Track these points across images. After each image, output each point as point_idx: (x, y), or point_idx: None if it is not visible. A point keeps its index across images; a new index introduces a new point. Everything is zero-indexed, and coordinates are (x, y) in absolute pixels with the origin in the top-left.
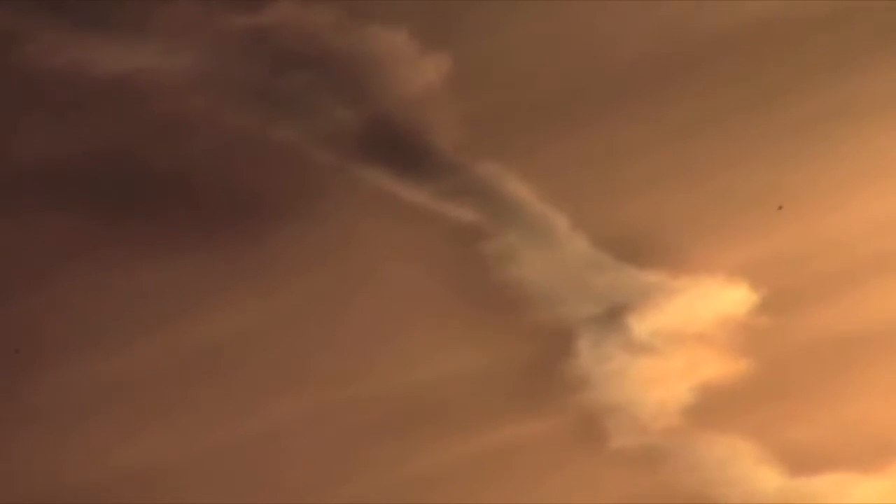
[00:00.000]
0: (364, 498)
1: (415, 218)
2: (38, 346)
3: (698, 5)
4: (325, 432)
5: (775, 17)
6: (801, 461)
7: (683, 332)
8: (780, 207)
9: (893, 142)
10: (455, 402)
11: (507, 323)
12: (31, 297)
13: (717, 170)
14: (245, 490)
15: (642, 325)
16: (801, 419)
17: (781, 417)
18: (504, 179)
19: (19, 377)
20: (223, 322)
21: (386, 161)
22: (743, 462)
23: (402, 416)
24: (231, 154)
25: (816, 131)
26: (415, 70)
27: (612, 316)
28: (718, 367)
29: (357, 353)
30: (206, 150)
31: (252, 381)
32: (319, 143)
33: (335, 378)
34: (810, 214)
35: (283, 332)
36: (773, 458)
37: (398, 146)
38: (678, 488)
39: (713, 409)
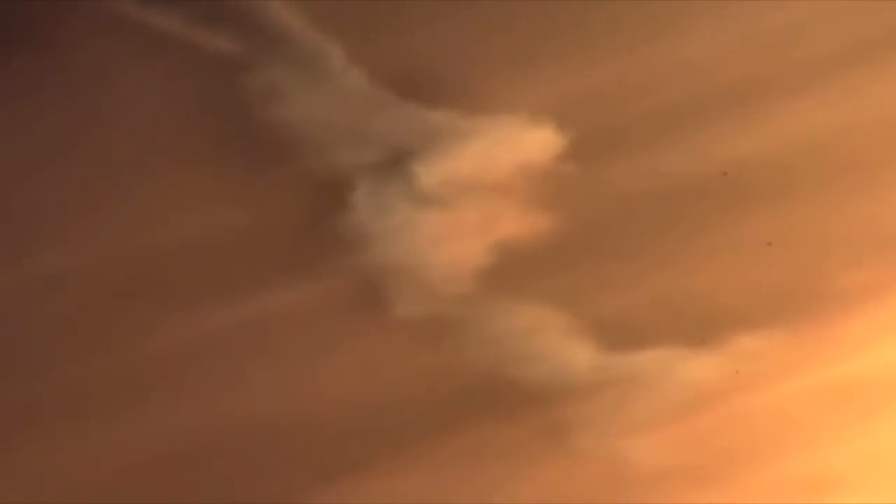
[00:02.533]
0: (112, 374)
1: (163, 47)
2: None
3: None
4: (60, 301)
5: None
6: (617, 334)
7: (478, 181)
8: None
9: None
10: (212, 265)
11: (271, 171)
12: None
13: None
14: None
15: (429, 173)
16: (618, 285)
17: (594, 283)
18: (268, 1)
19: None
20: None
21: None
22: (549, 334)
23: (149, 282)
24: None
25: None
26: None
27: (395, 163)
28: (520, 224)
29: (97, 208)
30: None
31: None
32: None
33: (69, 239)
34: (627, 45)
35: (10, 186)
36: (584, 330)
37: None
38: (473, 364)
39: (513, 272)
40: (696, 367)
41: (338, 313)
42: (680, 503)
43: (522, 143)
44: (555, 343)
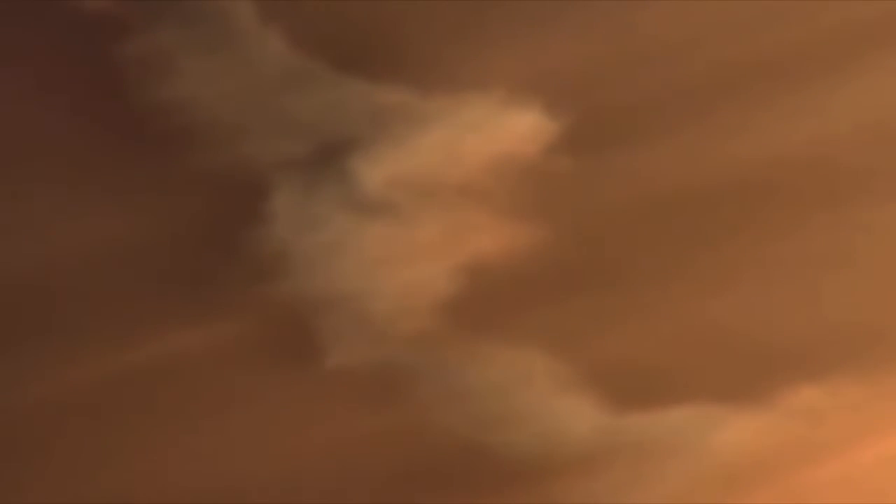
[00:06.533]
0: None
1: (16, 9)
2: None
3: None
4: None
5: None
6: (628, 385)
7: (440, 182)
8: None
9: None
10: (79, 298)
11: (159, 169)
12: None
13: None
14: None
15: (374, 171)
16: (628, 319)
17: (596, 317)
18: None
19: None
20: None
21: None
22: (537, 386)
23: (9, 324)
24: None
25: None
26: None
27: (327, 157)
28: (496, 239)
29: None
30: None
31: None
32: None
33: None
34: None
35: None
36: (584, 381)
37: None
38: (436, 428)
39: (488, 303)
40: (738, 430)
41: (251, 362)
42: None
43: (499, 131)
44: (545, 398)
